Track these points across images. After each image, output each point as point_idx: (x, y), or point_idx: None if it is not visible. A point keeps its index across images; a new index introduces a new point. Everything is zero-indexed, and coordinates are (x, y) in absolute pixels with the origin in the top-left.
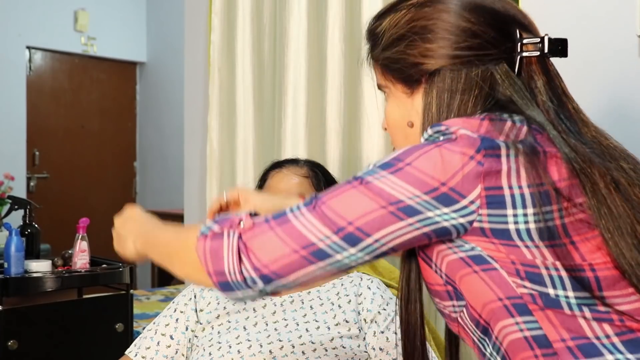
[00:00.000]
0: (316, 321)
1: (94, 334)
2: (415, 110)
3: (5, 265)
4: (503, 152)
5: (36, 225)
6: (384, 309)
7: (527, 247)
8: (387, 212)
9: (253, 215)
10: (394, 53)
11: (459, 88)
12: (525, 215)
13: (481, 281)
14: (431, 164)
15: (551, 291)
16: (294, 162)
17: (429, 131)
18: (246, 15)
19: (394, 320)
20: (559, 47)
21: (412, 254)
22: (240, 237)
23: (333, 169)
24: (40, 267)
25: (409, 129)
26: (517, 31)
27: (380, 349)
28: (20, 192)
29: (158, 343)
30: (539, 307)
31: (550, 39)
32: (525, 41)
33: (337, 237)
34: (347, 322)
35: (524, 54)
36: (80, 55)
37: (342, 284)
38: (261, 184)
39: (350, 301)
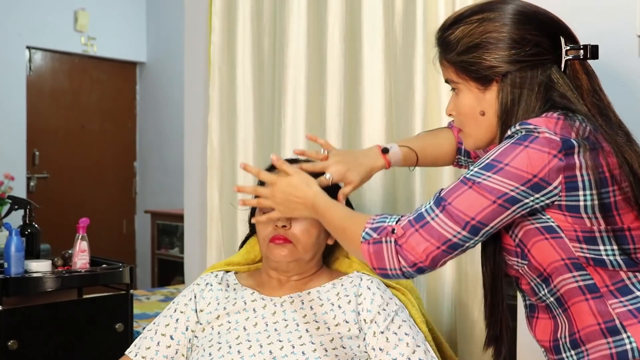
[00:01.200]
0: (316, 322)
1: (94, 334)
2: (487, 102)
3: (5, 265)
4: (576, 150)
5: (36, 225)
6: (384, 309)
7: (589, 218)
8: (497, 205)
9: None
10: (471, 58)
11: (526, 86)
12: (591, 195)
13: (550, 246)
14: (524, 162)
15: (601, 247)
16: (293, 162)
17: (517, 127)
18: (246, 15)
19: (394, 320)
20: (594, 51)
21: None
22: (396, 242)
23: None
24: (40, 267)
25: (480, 117)
26: (562, 38)
27: (380, 349)
28: (20, 192)
29: (158, 343)
30: (590, 265)
31: (589, 46)
32: (570, 47)
33: (465, 231)
34: (347, 322)
35: (569, 57)
36: (80, 55)
37: (342, 284)
38: (261, 183)
39: (350, 301)
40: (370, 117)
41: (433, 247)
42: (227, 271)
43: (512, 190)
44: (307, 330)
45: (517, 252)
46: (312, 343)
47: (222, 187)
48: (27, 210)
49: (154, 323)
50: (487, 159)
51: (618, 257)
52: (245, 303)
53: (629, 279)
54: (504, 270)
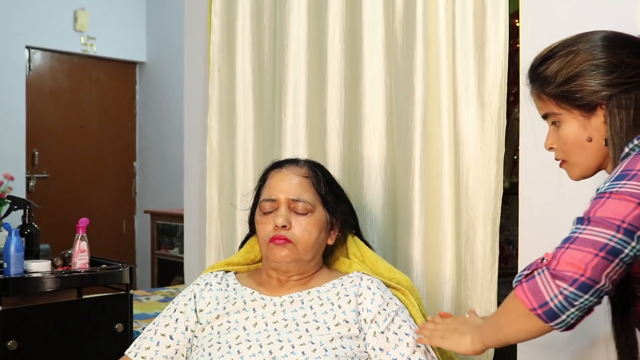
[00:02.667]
0: (316, 321)
1: (94, 334)
2: (593, 128)
3: (5, 265)
4: None
5: (36, 226)
6: (384, 309)
7: None
8: None
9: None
10: (574, 86)
11: (632, 106)
12: None
13: None
14: None
15: None
16: (294, 162)
17: (635, 141)
18: (246, 15)
19: (394, 320)
20: None
21: None
22: (548, 268)
23: (333, 169)
24: (39, 267)
25: (587, 143)
26: None
27: (380, 349)
28: (20, 192)
29: (158, 343)
30: None
31: None
32: None
33: (620, 234)
34: (347, 322)
35: None
36: (79, 55)
37: (342, 284)
38: (261, 183)
39: (350, 301)
40: (370, 117)
41: (590, 255)
42: (227, 271)
43: None
44: (307, 330)
45: None
46: (312, 343)
47: (222, 187)
48: (27, 210)
49: (154, 323)
50: (616, 172)
51: None
52: (245, 303)
53: None
54: (632, 301)
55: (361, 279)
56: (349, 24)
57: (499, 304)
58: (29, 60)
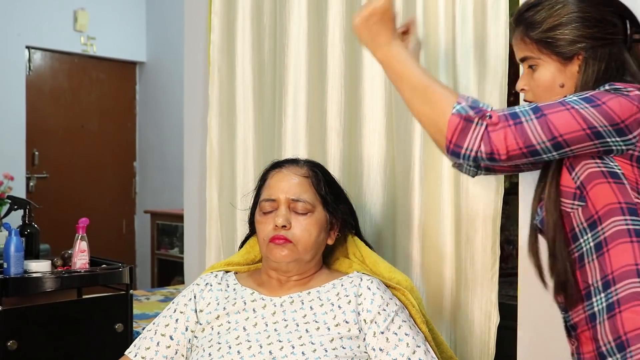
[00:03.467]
0: (316, 322)
1: (94, 334)
2: (567, 75)
3: (5, 265)
4: None
5: (36, 226)
6: (384, 310)
7: None
8: (584, 133)
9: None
10: (558, 34)
11: (605, 59)
12: None
13: (610, 189)
14: (617, 107)
15: None
16: (294, 162)
17: (606, 86)
18: (246, 15)
19: (394, 320)
20: None
21: (559, 162)
22: (487, 127)
23: (333, 169)
24: (39, 267)
25: (559, 88)
26: (627, 22)
27: (380, 350)
28: (20, 192)
29: (158, 343)
30: None
31: None
32: (635, 29)
33: (550, 143)
34: (347, 322)
35: (635, 39)
36: (79, 55)
37: (342, 284)
38: (261, 183)
39: (350, 301)
40: (370, 117)
41: (517, 147)
42: (227, 271)
43: (601, 127)
44: (307, 331)
45: (575, 194)
46: (312, 343)
47: (222, 187)
48: (27, 210)
49: (154, 323)
50: (585, 94)
51: None
52: (245, 303)
53: None
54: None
55: (361, 279)
56: (349, 24)
57: (499, 304)
58: (29, 60)
